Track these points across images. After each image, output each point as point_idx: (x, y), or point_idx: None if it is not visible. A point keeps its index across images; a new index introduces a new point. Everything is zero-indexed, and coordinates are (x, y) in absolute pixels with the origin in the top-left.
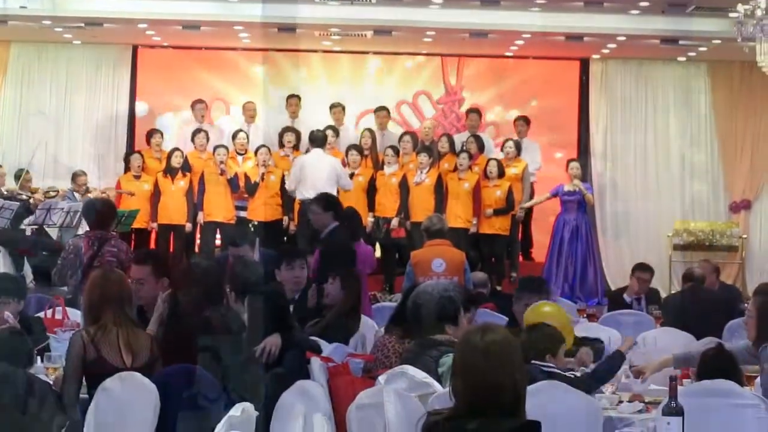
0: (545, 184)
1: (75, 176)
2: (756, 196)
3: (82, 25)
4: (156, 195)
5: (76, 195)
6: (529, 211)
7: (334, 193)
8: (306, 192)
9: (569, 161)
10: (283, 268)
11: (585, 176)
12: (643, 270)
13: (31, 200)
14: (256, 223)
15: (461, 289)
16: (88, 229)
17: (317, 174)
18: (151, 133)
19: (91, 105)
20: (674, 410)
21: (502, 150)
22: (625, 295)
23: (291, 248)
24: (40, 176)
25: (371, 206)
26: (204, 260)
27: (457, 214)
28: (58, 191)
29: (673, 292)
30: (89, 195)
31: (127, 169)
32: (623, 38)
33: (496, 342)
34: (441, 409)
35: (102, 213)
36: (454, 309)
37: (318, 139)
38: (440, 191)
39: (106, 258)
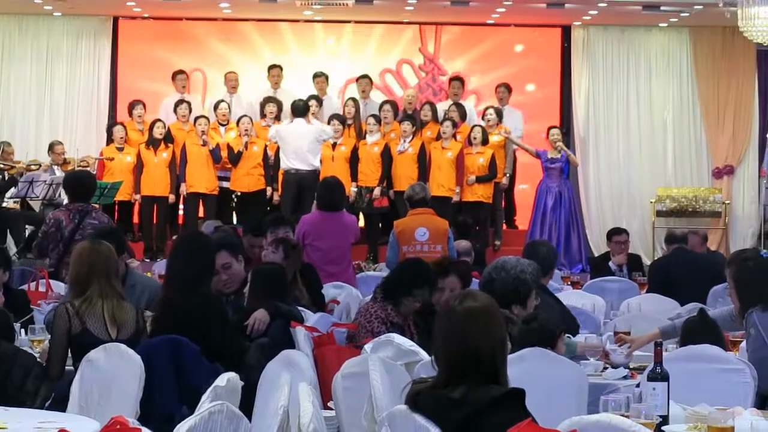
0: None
1: (52, 146)
2: (739, 161)
3: None
4: (139, 167)
5: (56, 169)
6: (512, 179)
7: (318, 161)
8: (289, 161)
9: (549, 128)
10: (269, 235)
11: (567, 143)
12: (618, 233)
13: (13, 172)
14: (239, 193)
15: (538, 272)
16: (68, 202)
17: (300, 143)
18: (132, 105)
19: (72, 77)
20: (659, 376)
21: (483, 118)
22: (610, 263)
23: (276, 216)
24: (22, 149)
25: (354, 176)
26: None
27: (440, 183)
28: (40, 165)
29: (656, 257)
30: (68, 166)
31: (110, 140)
32: (605, 4)
33: (475, 309)
34: (425, 377)
35: (82, 185)
36: (527, 291)
37: (299, 109)
38: (423, 160)
39: (87, 231)
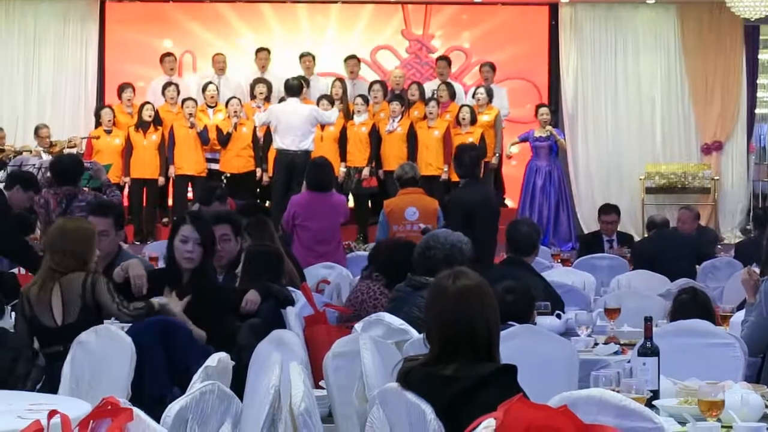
0: (515, 129)
1: (37, 129)
2: (727, 137)
3: None
4: (128, 149)
5: (43, 155)
6: (500, 157)
7: (311, 142)
8: (283, 141)
9: (538, 107)
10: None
11: (556, 122)
12: (606, 213)
13: (2, 156)
14: (228, 175)
15: (472, 246)
16: (55, 186)
17: (295, 123)
18: (122, 88)
19: (59, 60)
20: (649, 351)
21: (472, 97)
22: (604, 235)
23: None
24: (9, 133)
25: (343, 156)
26: None
27: (429, 162)
28: (31, 151)
29: (645, 236)
30: (55, 148)
31: (98, 124)
32: None
33: (468, 287)
34: (416, 355)
35: (67, 168)
36: (462, 261)
37: (293, 88)
38: (412, 139)
39: (76, 214)
